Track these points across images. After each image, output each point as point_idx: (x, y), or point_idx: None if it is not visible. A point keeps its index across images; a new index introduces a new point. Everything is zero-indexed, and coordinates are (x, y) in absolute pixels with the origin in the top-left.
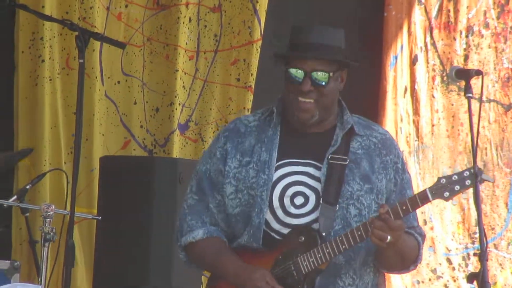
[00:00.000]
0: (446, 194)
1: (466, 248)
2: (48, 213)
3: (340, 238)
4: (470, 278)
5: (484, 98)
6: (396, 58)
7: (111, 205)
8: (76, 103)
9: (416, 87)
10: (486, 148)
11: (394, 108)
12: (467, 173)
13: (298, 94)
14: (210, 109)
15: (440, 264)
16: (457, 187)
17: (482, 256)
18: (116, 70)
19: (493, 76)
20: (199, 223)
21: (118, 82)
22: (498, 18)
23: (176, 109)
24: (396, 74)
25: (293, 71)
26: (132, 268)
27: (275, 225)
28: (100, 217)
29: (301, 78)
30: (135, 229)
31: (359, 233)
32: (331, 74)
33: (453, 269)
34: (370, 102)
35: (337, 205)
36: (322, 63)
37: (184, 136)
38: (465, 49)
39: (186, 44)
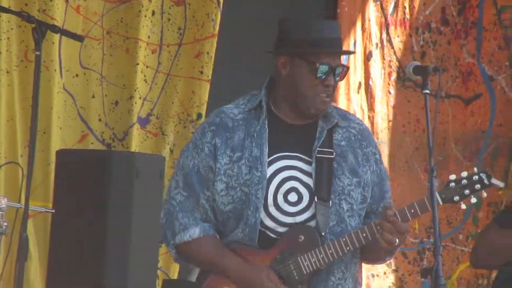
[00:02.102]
0: (456, 198)
1: (422, 242)
2: (0, 206)
3: (344, 239)
4: (424, 272)
5: (443, 94)
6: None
7: (66, 199)
8: (32, 96)
9: (370, 83)
10: (444, 144)
11: (347, 104)
12: (476, 177)
13: (323, 89)
14: (172, 102)
15: (395, 258)
16: (467, 191)
17: (436, 251)
18: (74, 63)
19: (454, 72)
20: (192, 221)
21: (77, 75)
22: (459, 14)
23: (136, 102)
24: (349, 69)
25: (322, 66)
26: (86, 263)
27: (269, 223)
28: (53, 211)
29: (327, 73)
30: (90, 223)
31: (364, 235)
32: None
33: (409, 263)
34: None
35: (330, 201)
36: (339, 58)
37: (145, 130)
38: (422, 46)
39: (148, 37)
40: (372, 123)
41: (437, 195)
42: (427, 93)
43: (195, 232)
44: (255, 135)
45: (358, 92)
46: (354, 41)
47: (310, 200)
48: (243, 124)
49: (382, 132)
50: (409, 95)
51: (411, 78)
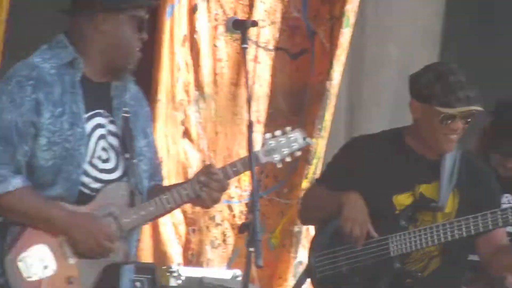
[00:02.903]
0: (276, 157)
1: (250, 196)
2: None
3: (166, 197)
4: (242, 228)
5: (271, 47)
6: (173, 7)
7: None
8: None
9: (195, 36)
10: (274, 96)
11: (171, 58)
12: (292, 136)
13: (139, 42)
14: None
15: (220, 211)
16: (285, 151)
17: (254, 206)
18: None
19: (281, 25)
20: (11, 172)
21: None
22: None
23: None
24: (173, 23)
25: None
26: None
27: (85, 179)
28: None
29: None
30: None
31: (186, 192)
32: None
33: (234, 216)
34: (145, 52)
35: (134, 160)
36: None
37: None
38: None
39: None
40: (197, 77)
41: (260, 153)
42: (245, 47)
43: (17, 182)
44: (71, 90)
45: (183, 46)
46: None
47: (118, 158)
48: (58, 79)
49: (209, 86)
50: (238, 48)
51: (231, 32)
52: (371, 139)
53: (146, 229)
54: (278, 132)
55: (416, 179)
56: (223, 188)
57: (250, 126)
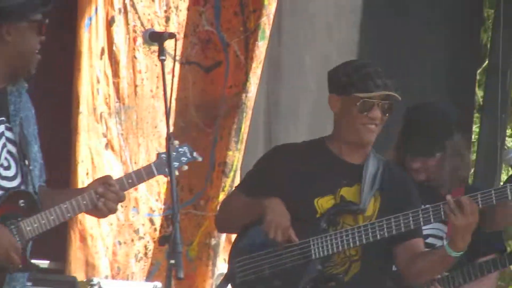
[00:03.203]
0: (167, 170)
1: (169, 208)
2: None
3: (66, 206)
4: (162, 240)
5: (184, 60)
6: (91, 19)
7: None
8: None
9: (114, 48)
10: (186, 110)
11: (90, 70)
12: (181, 150)
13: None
14: None
15: (143, 224)
16: (175, 164)
17: (174, 218)
18: None
19: (193, 39)
20: None
21: None
22: None
23: None
24: (91, 35)
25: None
26: None
27: None
28: None
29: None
30: None
31: (84, 202)
32: None
33: (155, 230)
34: (67, 64)
35: (31, 166)
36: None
37: None
38: (165, 11)
39: None
40: (117, 89)
41: (153, 167)
42: (163, 59)
43: None
44: None
45: (101, 58)
46: (96, 6)
47: (17, 165)
48: None
49: (129, 98)
50: (156, 60)
51: (148, 44)
52: (293, 146)
53: (75, 241)
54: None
55: (338, 182)
56: (120, 199)
57: (168, 138)
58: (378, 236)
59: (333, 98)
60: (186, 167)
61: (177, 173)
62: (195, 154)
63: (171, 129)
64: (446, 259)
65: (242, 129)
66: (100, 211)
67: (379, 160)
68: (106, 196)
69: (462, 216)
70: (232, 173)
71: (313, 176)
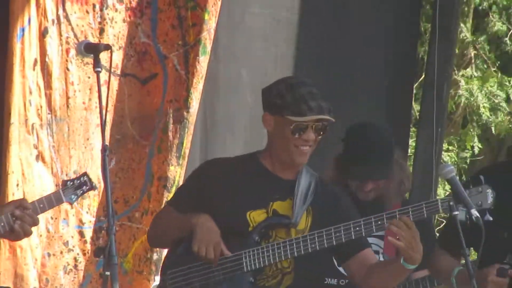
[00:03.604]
0: (74, 197)
1: (99, 221)
2: None
3: None
4: (98, 252)
5: (120, 72)
6: (23, 30)
7: None
8: None
9: (47, 60)
10: (121, 122)
11: (22, 81)
12: (83, 179)
13: None
14: None
15: (72, 237)
16: (79, 192)
17: (110, 230)
18: None
19: (129, 50)
20: None
21: None
22: None
23: None
24: (24, 46)
25: None
26: None
27: None
28: None
29: None
30: None
31: (2, 224)
32: None
33: (85, 242)
34: None
35: None
36: None
37: None
38: (100, 23)
39: None
40: (49, 100)
41: (61, 194)
42: (98, 71)
43: None
44: None
45: (33, 69)
46: (29, 17)
47: None
48: None
49: (61, 109)
50: (89, 72)
51: (83, 56)
52: (224, 160)
53: (4, 252)
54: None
55: (270, 196)
56: (35, 222)
57: (104, 150)
58: (310, 249)
59: (266, 116)
60: (87, 193)
61: (79, 199)
62: (94, 184)
63: (107, 141)
64: (403, 272)
65: (184, 145)
66: (15, 234)
67: (312, 176)
68: (23, 219)
69: (407, 231)
70: (174, 188)
71: (245, 190)
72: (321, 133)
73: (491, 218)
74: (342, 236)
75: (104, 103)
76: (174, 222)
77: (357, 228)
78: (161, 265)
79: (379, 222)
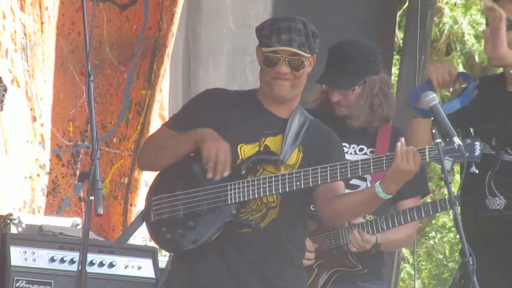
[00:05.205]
0: None
1: (76, 146)
2: None
3: None
4: (82, 176)
5: None
6: None
7: None
8: None
9: None
10: (100, 48)
11: None
12: None
13: None
14: None
15: (50, 160)
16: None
17: (94, 155)
18: None
19: None
20: None
21: None
22: None
23: None
24: None
25: None
26: None
27: None
28: None
29: None
30: None
31: None
32: None
33: (62, 165)
34: None
35: None
36: None
37: None
38: None
39: None
40: (23, 25)
41: None
42: None
43: None
44: None
45: None
46: None
47: None
48: None
49: (36, 34)
50: None
51: None
52: (225, 92)
53: None
54: None
55: (263, 131)
56: None
57: (88, 75)
58: (294, 187)
59: (257, 49)
60: None
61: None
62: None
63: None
64: (374, 199)
65: (154, 68)
66: None
67: (306, 117)
68: None
69: (408, 161)
70: (143, 112)
71: (239, 123)
72: (299, 69)
73: (476, 171)
74: (328, 176)
75: (88, 30)
76: (172, 140)
77: (343, 170)
78: (148, 189)
79: (365, 166)
